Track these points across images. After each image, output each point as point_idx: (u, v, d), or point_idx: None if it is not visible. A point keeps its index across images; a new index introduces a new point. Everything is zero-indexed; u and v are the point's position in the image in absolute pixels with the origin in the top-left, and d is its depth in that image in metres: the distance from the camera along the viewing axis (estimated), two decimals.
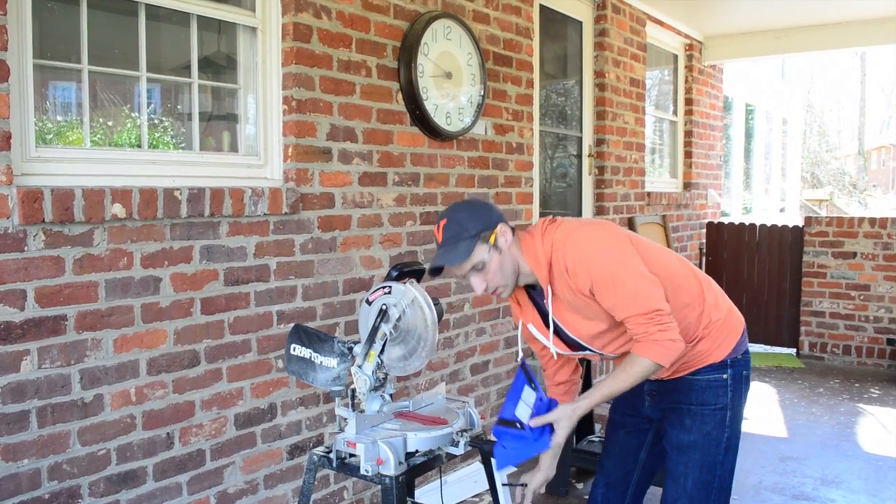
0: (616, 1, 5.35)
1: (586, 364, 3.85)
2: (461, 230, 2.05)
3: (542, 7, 4.69)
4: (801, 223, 6.88)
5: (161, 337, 2.54)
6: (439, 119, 3.62)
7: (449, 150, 3.78)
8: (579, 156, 5.30)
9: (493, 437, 2.16)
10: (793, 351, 6.89)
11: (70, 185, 2.27)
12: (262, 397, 2.89)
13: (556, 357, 2.25)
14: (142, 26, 2.60)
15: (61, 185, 2.27)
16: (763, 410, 5.24)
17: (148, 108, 2.74)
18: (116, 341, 2.41)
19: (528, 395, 2.14)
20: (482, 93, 3.89)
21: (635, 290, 1.99)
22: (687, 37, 6.71)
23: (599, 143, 5.33)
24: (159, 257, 2.52)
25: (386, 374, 2.22)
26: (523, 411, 2.10)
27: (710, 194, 7.27)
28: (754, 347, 7.11)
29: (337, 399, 2.19)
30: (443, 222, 2.08)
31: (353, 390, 2.17)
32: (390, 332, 2.18)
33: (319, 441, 3.13)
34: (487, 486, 2.38)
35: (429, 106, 3.54)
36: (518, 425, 2.08)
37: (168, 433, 2.58)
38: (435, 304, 2.18)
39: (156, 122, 2.91)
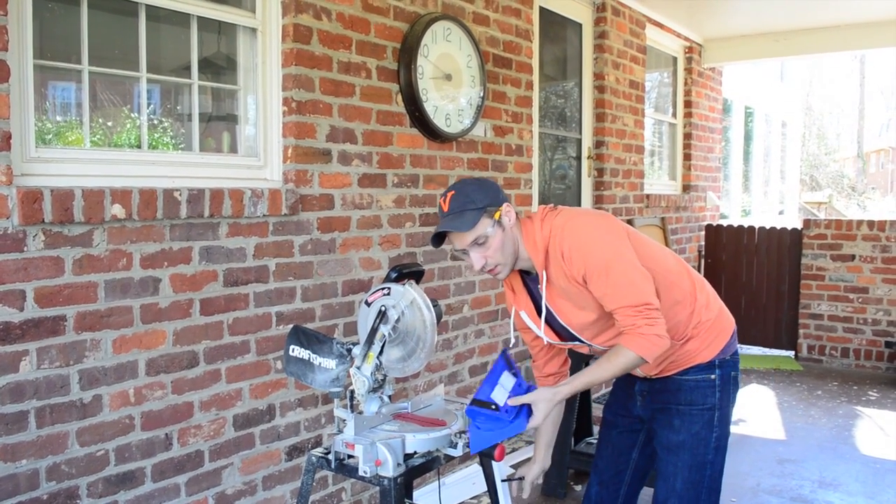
0: (616, 3, 5.36)
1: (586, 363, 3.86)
2: (468, 202, 2.06)
3: (541, 9, 4.69)
4: (799, 226, 6.88)
5: (160, 338, 2.54)
6: (439, 121, 3.63)
7: (448, 151, 3.78)
8: (578, 158, 5.30)
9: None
10: (791, 353, 6.89)
11: (70, 186, 2.27)
12: (260, 398, 2.90)
13: (551, 342, 2.26)
14: (142, 27, 2.61)
15: (61, 185, 2.27)
16: (761, 413, 5.24)
17: (148, 108, 2.74)
18: (115, 342, 2.42)
19: (507, 380, 2.12)
20: (482, 94, 3.90)
21: (628, 281, 2.01)
22: (686, 39, 6.71)
23: (599, 145, 5.34)
24: (159, 258, 2.52)
25: (385, 376, 2.22)
26: (500, 394, 2.09)
27: (709, 197, 7.28)
28: (753, 350, 7.12)
29: (335, 400, 2.19)
30: (450, 194, 2.09)
31: (352, 391, 2.17)
32: (389, 334, 2.19)
33: (318, 442, 3.13)
34: (486, 488, 2.39)
35: (428, 107, 3.55)
36: (493, 406, 2.07)
37: (167, 434, 2.58)
38: (434, 306, 2.19)
39: (155, 122, 2.91)
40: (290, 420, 3.02)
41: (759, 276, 6.93)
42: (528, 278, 2.24)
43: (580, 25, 5.20)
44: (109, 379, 2.41)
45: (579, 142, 5.29)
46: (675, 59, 6.75)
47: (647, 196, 5.94)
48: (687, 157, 6.90)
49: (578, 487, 3.87)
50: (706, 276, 6.97)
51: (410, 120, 3.52)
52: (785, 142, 12.51)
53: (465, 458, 3.79)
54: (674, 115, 6.82)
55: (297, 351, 2.26)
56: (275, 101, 2.98)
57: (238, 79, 3.00)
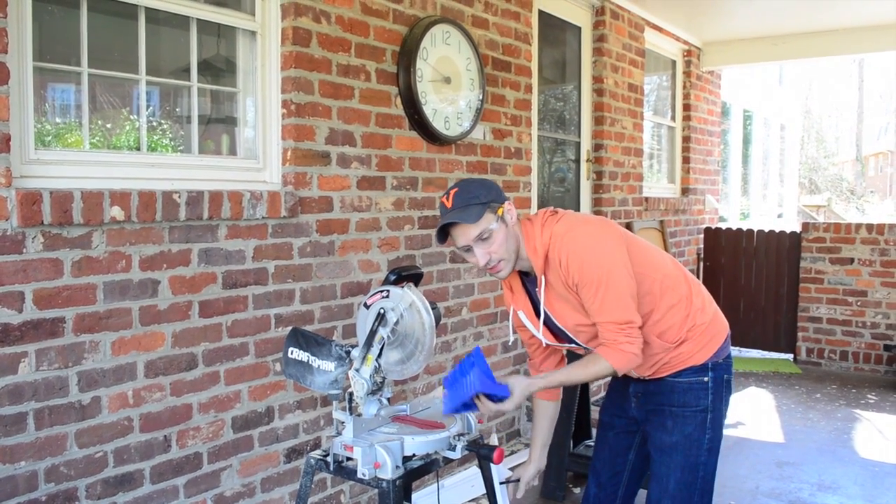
0: (615, 7, 5.37)
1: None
2: (472, 197, 2.08)
3: (541, 12, 4.70)
4: (798, 229, 6.89)
5: (159, 339, 2.54)
6: (438, 123, 3.63)
7: (447, 154, 3.78)
8: (577, 161, 5.31)
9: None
10: (790, 356, 6.89)
11: (69, 188, 2.27)
12: (259, 400, 2.90)
13: (547, 343, 2.29)
14: (141, 29, 2.61)
15: (60, 187, 2.27)
16: (760, 416, 5.24)
17: (147, 110, 2.75)
18: (114, 344, 2.42)
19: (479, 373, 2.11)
20: (481, 97, 3.90)
21: (617, 298, 2.06)
22: (685, 43, 6.72)
23: (597, 148, 5.34)
24: (158, 260, 2.52)
25: (383, 378, 2.22)
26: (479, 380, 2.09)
27: (707, 200, 7.28)
28: (752, 353, 7.12)
29: (334, 402, 2.19)
30: (453, 191, 2.11)
31: (351, 394, 2.17)
32: (388, 336, 2.19)
33: (317, 444, 3.13)
34: (484, 490, 2.39)
35: (427, 110, 3.55)
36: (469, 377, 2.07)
37: (165, 436, 2.58)
38: (433, 308, 2.19)
39: (155, 124, 2.91)
40: (288, 422, 3.02)
41: (758, 279, 6.93)
42: (527, 279, 2.26)
43: (579, 29, 5.21)
44: (108, 381, 2.41)
45: (578, 145, 5.29)
46: (673, 62, 6.76)
47: (646, 199, 5.95)
48: (686, 160, 6.91)
49: (577, 490, 3.87)
50: (705, 279, 6.98)
51: (409, 123, 3.53)
52: (784, 145, 12.52)
53: (463, 461, 3.79)
54: (672, 118, 6.83)
55: (296, 353, 2.26)
56: (274, 103, 2.98)
57: (237, 81, 3.00)
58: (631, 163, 5.69)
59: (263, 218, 2.84)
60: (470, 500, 3.73)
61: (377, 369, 2.18)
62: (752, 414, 5.27)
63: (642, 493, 2.49)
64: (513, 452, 4.27)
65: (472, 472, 3.81)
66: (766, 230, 6.98)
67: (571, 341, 2.25)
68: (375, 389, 2.20)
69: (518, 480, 2.40)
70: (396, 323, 2.18)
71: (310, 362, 2.24)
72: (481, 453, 2.20)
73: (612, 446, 2.45)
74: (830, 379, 6.29)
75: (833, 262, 6.59)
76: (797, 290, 6.75)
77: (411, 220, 3.56)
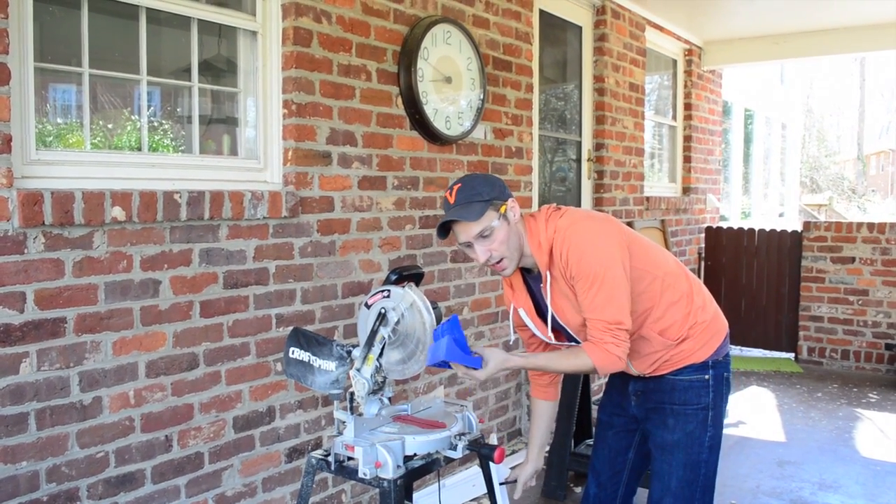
0: (616, 6, 5.37)
1: (584, 375, 3.86)
2: (475, 194, 2.08)
3: (541, 12, 4.70)
4: (799, 228, 6.88)
5: (160, 340, 2.55)
6: (439, 123, 3.63)
7: (448, 154, 3.78)
8: (578, 160, 5.31)
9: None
10: (791, 355, 6.89)
11: (70, 188, 2.28)
12: (260, 400, 2.90)
13: (552, 341, 2.28)
14: (142, 30, 2.61)
15: (61, 187, 2.27)
16: (761, 415, 5.24)
17: (148, 111, 2.75)
18: (115, 344, 2.42)
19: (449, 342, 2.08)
20: (482, 97, 3.90)
21: (610, 297, 2.05)
22: (686, 42, 6.72)
23: (599, 147, 5.34)
24: (159, 260, 2.53)
25: (384, 378, 2.23)
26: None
27: (709, 199, 7.28)
28: (753, 352, 7.12)
29: (335, 402, 2.20)
30: (457, 186, 2.11)
31: (352, 394, 2.18)
32: (389, 336, 2.19)
33: (318, 444, 3.13)
34: (486, 490, 2.39)
35: (428, 110, 3.55)
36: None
37: (167, 436, 2.59)
38: (434, 308, 2.19)
39: (156, 125, 2.91)
40: (290, 422, 3.02)
41: (760, 278, 6.93)
42: (529, 276, 2.26)
43: (580, 28, 5.21)
44: (109, 381, 2.41)
45: (579, 144, 5.29)
46: (674, 61, 6.75)
47: (647, 198, 5.95)
48: (687, 159, 6.90)
49: (578, 489, 3.87)
50: (706, 278, 6.97)
51: (410, 122, 3.53)
52: (785, 144, 12.52)
53: (464, 460, 3.79)
54: (674, 117, 6.82)
55: (297, 353, 2.26)
56: (275, 103, 2.98)
57: (238, 81, 3.00)
58: (632, 162, 5.68)
59: (264, 218, 2.84)
60: (471, 500, 3.74)
61: (378, 369, 2.18)
62: (754, 413, 5.27)
63: (642, 492, 2.49)
64: (513, 452, 4.27)
65: (474, 471, 3.81)
66: (768, 229, 6.97)
67: (573, 339, 2.25)
68: (376, 389, 2.20)
69: (515, 481, 2.40)
70: (397, 323, 2.19)
71: (311, 362, 2.24)
72: (482, 453, 2.20)
73: (611, 445, 2.45)
74: (832, 378, 6.28)
75: (834, 261, 6.59)
76: (798, 289, 6.75)
77: (412, 219, 3.56)
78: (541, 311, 2.24)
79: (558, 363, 2.17)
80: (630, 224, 5.64)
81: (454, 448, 2.16)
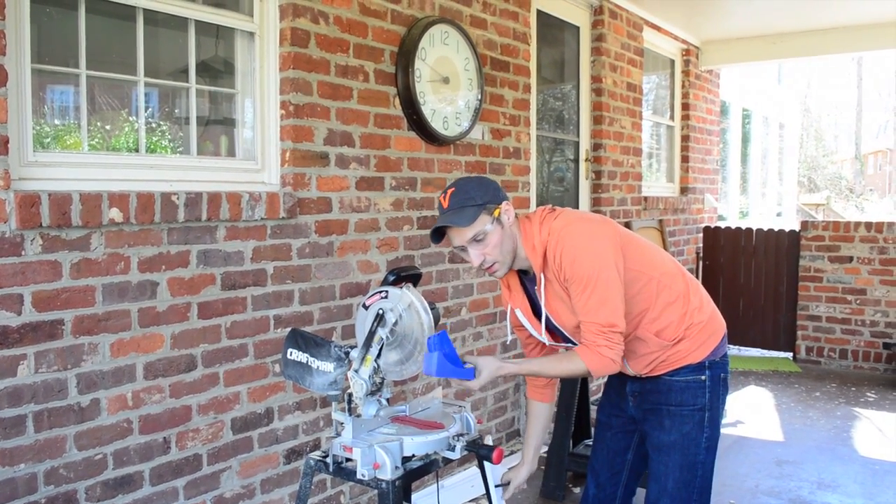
0: (613, 6, 5.37)
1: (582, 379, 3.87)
2: (468, 198, 2.08)
3: (539, 12, 4.70)
4: (797, 227, 6.89)
5: (158, 341, 2.54)
6: (436, 124, 3.63)
7: (446, 154, 3.78)
8: (576, 160, 5.31)
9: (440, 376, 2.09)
10: (789, 355, 6.90)
11: (67, 190, 2.27)
12: (258, 402, 2.90)
13: (547, 343, 2.29)
14: (140, 31, 2.61)
15: (59, 189, 2.27)
16: (760, 414, 5.25)
17: (146, 112, 2.75)
18: (113, 346, 2.42)
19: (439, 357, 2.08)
20: (479, 97, 3.90)
21: (603, 300, 2.05)
22: (684, 42, 6.72)
23: (596, 147, 5.34)
24: (156, 261, 2.52)
25: (382, 379, 2.23)
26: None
27: (706, 199, 7.28)
28: (751, 351, 7.13)
29: (334, 403, 2.19)
30: (450, 190, 2.11)
31: (350, 395, 2.17)
32: (387, 337, 2.19)
33: (316, 445, 3.13)
34: (484, 491, 2.39)
35: (426, 111, 3.55)
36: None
37: (165, 438, 2.58)
38: (431, 309, 2.19)
39: (153, 126, 2.91)
40: (288, 423, 3.02)
41: (757, 277, 6.94)
42: (525, 278, 2.27)
43: (577, 28, 5.21)
44: (107, 383, 2.41)
45: (577, 144, 5.29)
46: (672, 61, 6.76)
47: (645, 198, 5.95)
48: (685, 159, 6.91)
49: (577, 490, 3.88)
50: (704, 278, 6.98)
51: (408, 123, 3.53)
52: (783, 143, 12.53)
53: (463, 461, 3.79)
54: (671, 117, 6.83)
55: (295, 354, 2.26)
56: (272, 104, 2.98)
57: (236, 82, 3.00)
58: (630, 162, 5.69)
59: (262, 219, 2.84)
60: (469, 501, 3.74)
61: (376, 370, 2.18)
62: (752, 412, 5.27)
63: (641, 492, 2.49)
64: (512, 452, 4.27)
65: (472, 472, 3.81)
66: (765, 229, 6.98)
67: (569, 341, 2.25)
68: (374, 390, 2.20)
69: (508, 483, 2.39)
70: (395, 323, 2.19)
71: (309, 363, 2.24)
72: (481, 453, 2.20)
73: (610, 446, 2.45)
74: (830, 377, 6.29)
75: (832, 260, 6.59)
76: (796, 289, 6.76)
77: (410, 220, 3.56)
78: (537, 311, 2.25)
79: (552, 368, 2.17)
80: (628, 224, 5.64)
81: (452, 449, 2.16)
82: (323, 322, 3.13)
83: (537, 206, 4.81)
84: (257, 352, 2.87)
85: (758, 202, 11.32)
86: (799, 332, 6.77)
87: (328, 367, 2.21)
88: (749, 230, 6.99)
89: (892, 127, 36.76)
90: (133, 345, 2.47)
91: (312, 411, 3.12)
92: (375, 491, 2.06)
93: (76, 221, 2.26)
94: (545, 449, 4.17)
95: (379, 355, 2.18)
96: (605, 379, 2.47)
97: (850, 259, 6.53)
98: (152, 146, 2.88)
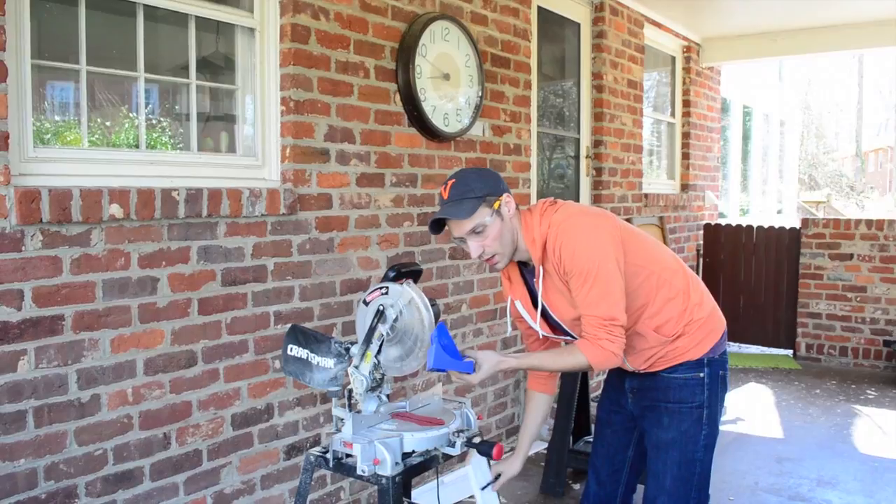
0: (614, 3, 5.36)
1: (582, 372, 3.87)
2: (468, 190, 2.08)
3: (539, 9, 4.69)
4: (798, 225, 6.89)
5: (158, 337, 2.54)
6: (437, 120, 3.63)
7: (447, 151, 3.78)
8: (577, 157, 5.30)
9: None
10: (789, 352, 6.90)
11: (68, 186, 2.27)
12: (259, 398, 2.90)
13: (544, 336, 2.28)
14: (140, 27, 2.61)
15: (59, 185, 2.27)
16: (760, 411, 5.25)
17: (146, 108, 2.75)
18: (114, 341, 2.42)
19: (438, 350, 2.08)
20: (480, 94, 3.90)
21: (603, 293, 2.05)
22: (685, 39, 6.72)
23: (597, 144, 5.34)
24: (157, 257, 2.52)
25: (383, 375, 2.23)
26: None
27: (707, 196, 7.28)
28: (751, 349, 7.13)
29: (334, 399, 2.20)
30: (451, 182, 2.11)
31: (350, 391, 2.18)
32: (387, 333, 2.19)
33: (316, 441, 3.13)
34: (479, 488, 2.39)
35: (427, 107, 3.55)
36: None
37: (165, 433, 2.58)
38: (432, 305, 2.19)
39: (154, 122, 2.91)
40: (288, 419, 3.02)
41: (758, 275, 6.94)
42: (525, 269, 2.26)
43: (578, 25, 5.20)
44: (107, 378, 2.41)
45: (577, 141, 5.29)
46: (673, 58, 6.75)
47: (646, 195, 5.95)
48: (685, 156, 6.90)
49: (577, 486, 3.88)
50: (704, 275, 6.98)
51: (409, 119, 3.52)
52: (783, 141, 12.51)
53: (463, 457, 3.79)
54: (672, 114, 6.82)
55: (296, 350, 2.26)
56: (273, 100, 2.98)
57: (236, 78, 3.00)
58: (630, 159, 5.68)
59: (262, 215, 2.84)
60: (469, 497, 3.74)
61: (376, 366, 2.18)
62: (752, 410, 5.27)
63: (642, 489, 2.49)
64: (512, 449, 4.27)
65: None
66: (766, 226, 6.98)
67: (568, 334, 2.24)
68: (375, 386, 2.20)
69: (497, 477, 2.36)
70: (396, 320, 2.19)
71: (309, 359, 2.24)
72: (481, 449, 2.20)
73: (610, 443, 2.45)
74: (830, 375, 6.29)
75: (832, 257, 6.59)
76: (797, 286, 6.76)
77: (410, 216, 3.56)
78: (536, 303, 2.24)
79: (553, 362, 2.17)
80: (628, 221, 5.64)
81: (452, 445, 2.16)
82: (323, 318, 3.13)
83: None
84: (257, 348, 2.87)
85: (758, 199, 11.31)
86: (799, 330, 6.77)
87: (328, 363, 2.21)
88: (749, 227, 6.98)
89: (893, 125, 36.74)
90: (133, 340, 2.47)
91: (312, 407, 3.12)
92: (375, 487, 2.06)
93: (76, 217, 2.26)
94: (545, 445, 4.18)
95: (379, 351, 2.18)
96: (605, 375, 2.47)
97: (851, 256, 6.52)
98: (153, 142, 2.88)
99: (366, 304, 2.25)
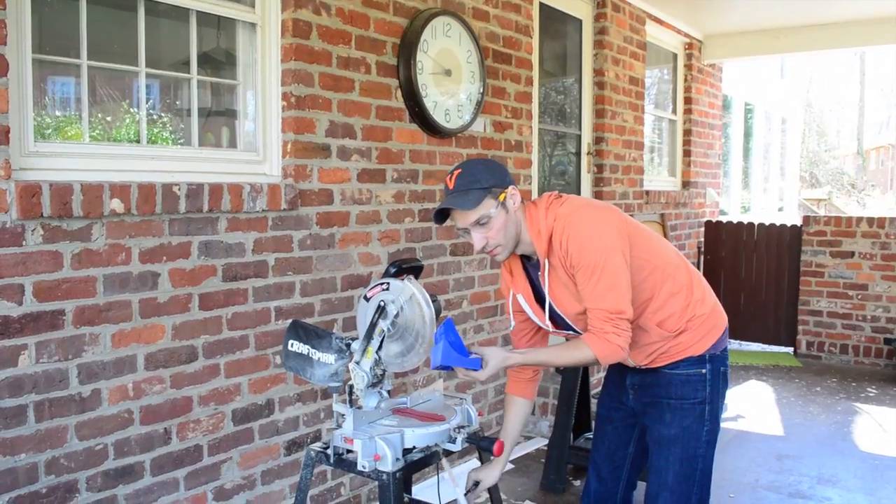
0: None
1: (583, 368, 3.87)
2: (474, 181, 2.07)
3: (541, 5, 4.68)
4: (799, 222, 6.88)
5: (159, 332, 2.54)
6: (438, 116, 3.62)
7: (448, 147, 3.78)
8: (578, 154, 5.30)
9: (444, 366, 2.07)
10: (790, 350, 6.90)
11: (69, 180, 2.27)
12: (259, 393, 2.90)
13: (550, 329, 2.27)
14: (141, 22, 2.60)
15: (60, 179, 2.27)
16: (760, 409, 5.25)
17: (147, 103, 2.74)
18: (114, 336, 2.42)
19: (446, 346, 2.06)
20: (481, 90, 3.89)
21: (610, 286, 2.04)
22: (686, 35, 6.71)
23: (598, 141, 5.33)
24: (158, 252, 2.52)
25: (384, 371, 2.22)
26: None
27: (708, 193, 7.28)
28: (752, 346, 7.12)
29: (334, 395, 2.20)
30: (457, 172, 2.10)
31: (351, 386, 2.18)
32: (388, 329, 2.18)
33: (317, 437, 3.13)
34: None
35: (428, 103, 3.54)
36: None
37: (165, 428, 2.59)
38: (433, 301, 2.18)
39: (155, 117, 2.91)
40: (288, 415, 3.02)
41: (759, 272, 6.93)
42: (528, 263, 2.25)
43: (580, 21, 5.19)
44: (108, 373, 2.41)
45: (579, 138, 5.29)
46: (675, 55, 6.74)
47: (647, 192, 5.94)
48: (687, 153, 6.90)
49: (577, 482, 3.88)
50: (706, 272, 6.97)
51: (410, 115, 3.52)
52: (785, 138, 12.50)
53: (463, 454, 3.80)
54: (674, 111, 6.81)
55: (296, 346, 2.26)
56: (274, 96, 2.97)
57: (237, 74, 2.99)
58: (632, 156, 5.68)
59: (263, 210, 2.84)
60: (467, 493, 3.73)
61: (377, 362, 2.18)
62: (753, 407, 5.27)
63: (642, 485, 2.49)
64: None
65: (473, 464, 3.81)
66: (767, 223, 6.97)
67: (569, 328, 2.24)
68: (375, 382, 2.20)
69: (477, 484, 2.32)
70: (397, 315, 2.18)
71: (310, 355, 2.24)
72: (481, 445, 2.20)
73: (611, 440, 2.44)
74: (830, 372, 6.29)
75: (834, 255, 6.58)
76: (798, 284, 6.75)
77: (412, 212, 3.56)
78: (539, 297, 2.23)
79: (559, 356, 2.16)
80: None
81: (453, 441, 2.16)
82: (324, 314, 3.13)
83: None
84: (258, 343, 2.87)
85: (760, 197, 11.30)
86: (800, 327, 6.76)
87: (329, 358, 2.21)
88: (751, 225, 6.98)
89: (895, 123, 36.70)
90: (134, 335, 2.47)
91: (313, 403, 3.12)
92: (376, 482, 2.06)
93: (77, 212, 2.25)
94: (546, 442, 4.18)
95: (380, 347, 2.17)
96: (605, 372, 2.46)
97: (852, 254, 6.52)
98: (153, 137, 2.88)
99: (367, 299, 2.24)
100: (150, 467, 2.55)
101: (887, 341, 6.32)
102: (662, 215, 6.16)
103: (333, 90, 3.11)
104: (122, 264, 2.42)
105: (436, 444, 2.16)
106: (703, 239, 7.12)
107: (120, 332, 2.43)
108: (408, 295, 2.17)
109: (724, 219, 7.46)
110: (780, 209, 12.36)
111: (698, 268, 6.92)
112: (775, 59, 11.00)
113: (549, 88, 5.12)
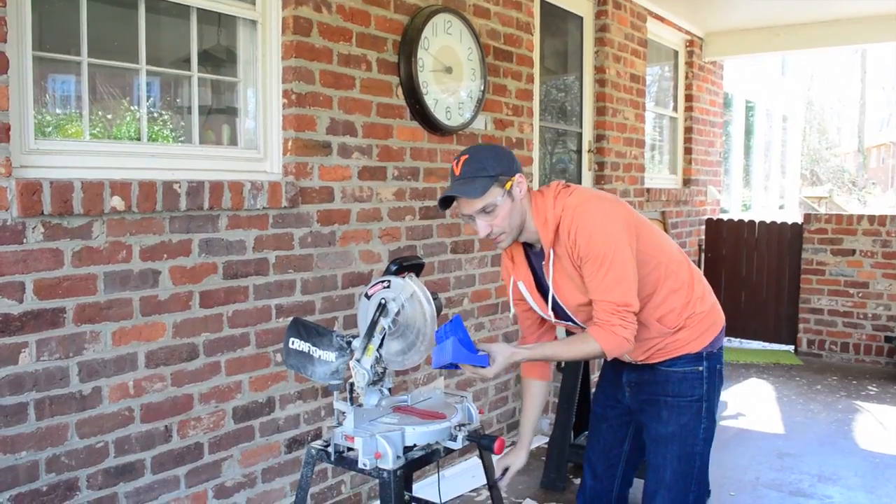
0: None
1: (583, 366, 3.87)
2: (481, 168, 2.05)
3: (542, 2, 4.68)
4: (800, 220, 6.88)
5: (160, 330, 2.54)
6: (439, 113, 3.62)
7: (449, 144, 3.77)
8: (579, 151, 5.29)
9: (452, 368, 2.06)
10: (791, 348, 6.90)
11: (69, 178, 2.27)
12: (260, 391, 2.90)
13: (551, 319, 2.26)
14: (141, 19, 2.60)
15: (60, 177, 2.27)
16: (761, 407, 5.24)
17: (147, 101, 2.74)
18: (115, 334, 2.41)
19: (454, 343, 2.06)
20: (482, 88, 3.89)
21: (618, 278, 2.03)
22: (687, 33, 6.70)
23: (599, 138, 5.33)
24: (158, 250, 2.52)
25: (384, 369, 2.22)
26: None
27: (709, 191, 7.27)
28: (752, 344, 7.12)
29: (335, 393, 2.19)
30: (464, 157, 2.08)
31: (352, 384, 2.17)
32: (389, 327, 2.18)
33: (317, 435, 3.13)
34: (485, 481, 2.39)
35: (429, 100, 3.54)
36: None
37: (166, 426, 2.58)
38: (434, 299, 2.18)
39: (155, 115, 2.90)
40: (289, 413, 3.02)
41: (760, 270, 6.93)
42: (531, 251, 2.23)
43: (581, 19, 5.18)
44: (109, 371, 2.41)
45: (580, 135, 5.28)
46: (675, 52, 6.73)
47: (648, 190, 5.94)
48: (688, 151, 6.89)
49: (577, 480, 3.88)
50: (706, 270, 6.97)
51: (411, 113, 3.52)
52: (786, 136, 12.49)
53: (464, 452, 3.80)
54: (675, 108, 6.81)
55: (297, 343, 2.26)
56: (275, 93, 2.97)
57: (238, 71, 2.99)
58: (633, 153, 5.67)
59: (264, 208, 2.83)
60: (470, 491, 3.74)
61: (378, 359, 2.18)
62: (753, 405, 5.27)
63: (638, 482, 2.49)
64: (513, 443, 4.27)
65: (473, 462, 3.82)
66: (768, 221, 6.97)
67: (570, 320, 2.23)
68: (376, 380, 2.20)
69: (506, 470, 2.35)
70: (397, 313, 2.18)
71: (311, 353, 2.24)
72: (482, 443, 2.20)
73: (606, 438, 2.44)
74: (831, 370, 6.29)
75: (834, 253, 6.58)
76: (798, 282, 6.75)
77: (412, 210, 3.56)
78: (541, 286, 2.22)
79: (565, 350, 2.16)
80: None
81: (454, 439, 2.16)
82: (325, 311, 3.12)
83: None
84: (259, 341, 2.87)
85: (760, 195, 11.30)
86: (801, 325, 6.76)
87: (330, 356, 2.21)
88: (751, 223, 6.97)
89: None
90: (135, 333, 2.47)
91: (314, 401, 3.12)
92: (376, 480, 2.06)
93: (78, 209, 2.25)
94: (546, 440, 4.18)
95: (381, 345, 2.17)
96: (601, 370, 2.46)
97: (853, 252, 6.51)
98: (154, 135, 2.87)
99: (368, 297, 2.24)
100: (150, 465, 2.55)
101: (888, 339, 6.32)
102: (663, 213, 6.16)
103: (334, 87, 3.11)
104: (122, 262, 2.42)
105: (436, 442, 2.16)
106: (703, 237, 7.11)
107: (120, 329, 2.43)
108: (409, 293, 2.17)
109: (724, 217, 7.46)
110: (781, 207, 12.36)
111: (699, 266, 6.92)
112: (776, 57, 10.99)
113: (550, 86, 5.11)
